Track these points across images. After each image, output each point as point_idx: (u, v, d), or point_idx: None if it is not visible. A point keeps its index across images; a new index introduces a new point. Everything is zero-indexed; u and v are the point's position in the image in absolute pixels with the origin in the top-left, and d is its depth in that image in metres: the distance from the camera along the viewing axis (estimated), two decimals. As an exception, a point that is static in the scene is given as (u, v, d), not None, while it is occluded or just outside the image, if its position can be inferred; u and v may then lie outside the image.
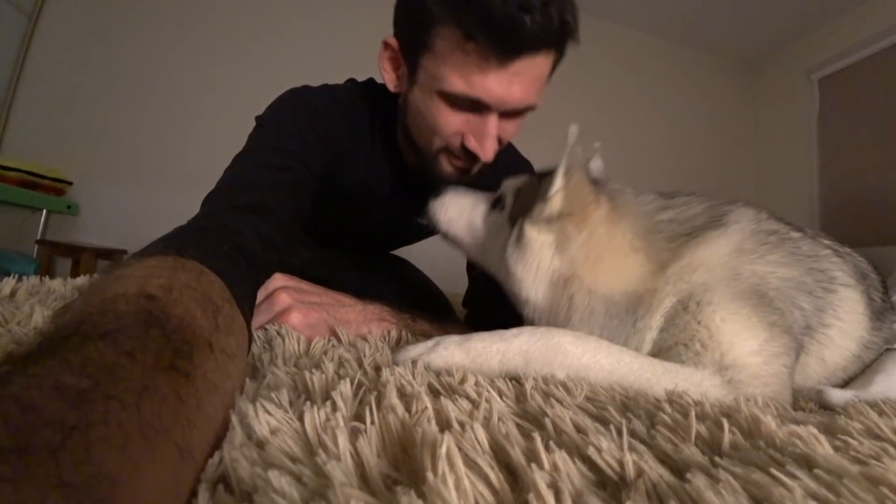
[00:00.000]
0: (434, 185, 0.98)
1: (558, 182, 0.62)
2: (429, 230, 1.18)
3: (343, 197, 1.00)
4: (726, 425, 0.35)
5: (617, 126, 3.53)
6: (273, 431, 0.32)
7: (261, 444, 0.31)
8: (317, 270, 0.99)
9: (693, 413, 0.37)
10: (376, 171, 0.98)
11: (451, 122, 0.80)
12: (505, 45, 0.72)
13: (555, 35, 0.75)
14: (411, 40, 0.80)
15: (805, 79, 3.61)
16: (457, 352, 0.54)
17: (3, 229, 2.35)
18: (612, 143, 3.54)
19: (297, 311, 0.66)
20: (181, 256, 0.44)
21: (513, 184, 0.76)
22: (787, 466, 0.27)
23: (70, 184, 2.46)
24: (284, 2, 2.90)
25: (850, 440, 0.33)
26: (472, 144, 0.81)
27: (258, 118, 0.84)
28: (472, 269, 1.18)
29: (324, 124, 0.84)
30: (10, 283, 0.77)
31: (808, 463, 0.28)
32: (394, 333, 0.72)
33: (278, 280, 0.72)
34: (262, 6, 2.86)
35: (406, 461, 0.29)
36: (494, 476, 0.27)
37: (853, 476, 0.26)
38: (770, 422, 0.35)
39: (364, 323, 0.73)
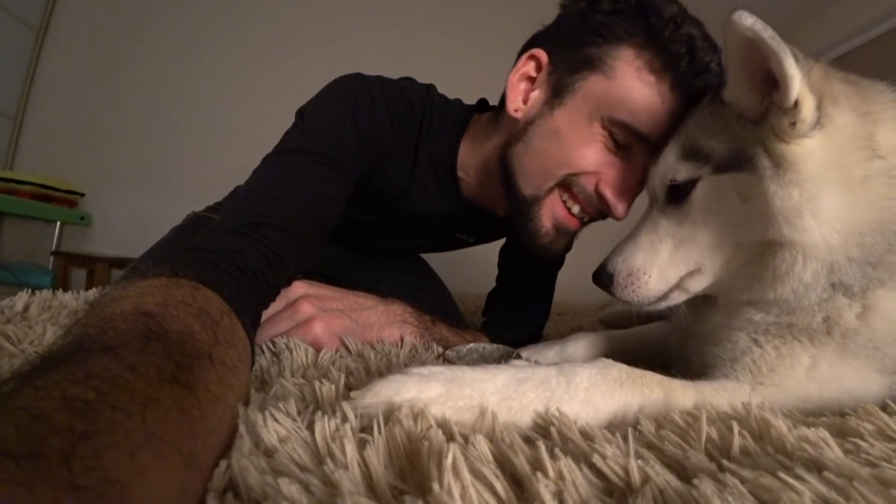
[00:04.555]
0: (493, 217, 0.90)
1: (796, 76, 0.47)
2: (466, 245, 1.10)
3: (367, 201, 0.90)
4: (736, 429, 0.35)
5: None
6: (282, 440, 0.32)
7: (269, 453, 0.31)
8: (326, 268, 0.98)
9: (704, 416, 0.37)
10: (419, 181, 0.88)
11: (597, 155, 0.71)
12: (691, 89, 0.68)
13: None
14: (574, 57, 0.73)
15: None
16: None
17: (19, 242, 2.39)
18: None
19: (320, 320, 0.65)
20: (174, 276, 0.44)
21: (672, 156, 0.59)
22: (795, 470, 0.27)
23: (82, 195, 2.50)
24: (299, 11, 2.91)
25: (861, 442, 0.33)
26: (608, 193, 0.72)
27: (299, 112, 0.76)
28: (501, 282, 1.09)
29: (367, 122, 0.76)
30: (23, 298, 0.77)
31: (817, 466, 0.28)
32: (408, 340, 0.71)
33: (300, 288, 0.69)
34: (275, 16, 2.87)
35: (412, 473, 0.29)
36: (500, 485, 0.27)
37: (864, 479, 0.25)
38: (780, 425, 0.35)
39: (386, 325, 0.71)
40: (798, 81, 0.47)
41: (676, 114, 0.68)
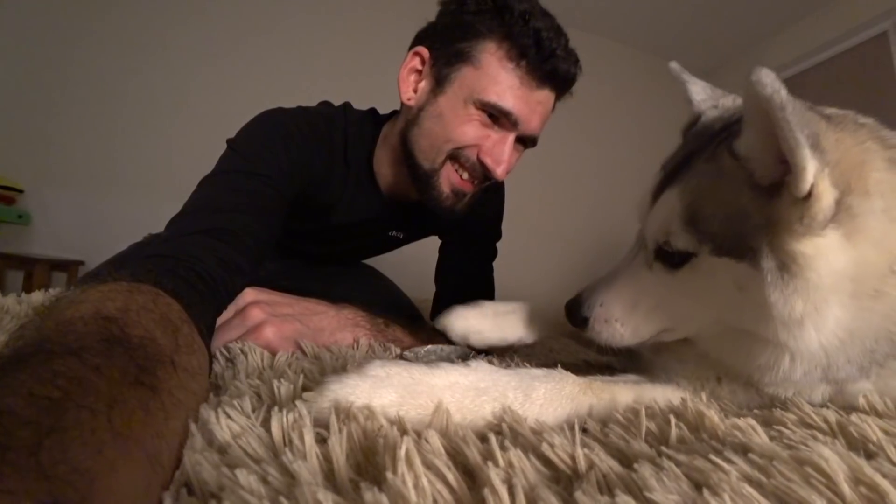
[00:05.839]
0: (414, 209, 1.02)
1: (810, 168, 0.38)
2: (399, 242, 1.20)
3: (315, 216, 1.01)
4: (673, 421, 0.37)
5: (586, 130, 3.62)
6: (235, 436, 0.32)
7: (222, 449, 0.31)
8: (284, 281, 0.99)
9: (643, 411, 0.40)
10: (350, 192, 0.99)
11: (474, 131, 0.86)
12: (543, 72, 0.84)
13: (568, 82, 0.90)
14: (449, 51, 0.87)
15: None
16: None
17: (-52, 241, 2.24)
18: (583, 145, 3.62)
19: (270, 325, 0.65)
20: (135, 281, 0.43)
21: (674, 211, 0.50)
22: (725, 453, 0.29)
23: (21, 192, 2.36)
24: (253, 2, 2.86)
25: (784, 429, 0.36)
26: (488, 160, 0.87)
27: (229, 141, 0.82)
28: (440, 280, 1.20)
29: (298, 149, 0.84)
30: (-38, 302, 0.73)
31: (744, 450, 0.30)
32: (364, 342, 0.72)
33: (249, 295, 0.70)
34: (230, 6, 2.82)
35: (368, 468, 0.30)
36: (452, 476, 0.28)
37: (783, 459, 0.28)
38: (713, 416, 0.37)
39: (339, 329, 0.72)
40: (811, 174, 0.38)
41: (537, 89, 0.86)
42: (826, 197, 0.39)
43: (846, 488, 0.25)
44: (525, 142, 0.92)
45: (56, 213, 2.45)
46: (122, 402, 0.27)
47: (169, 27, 2.69)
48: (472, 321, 0.72)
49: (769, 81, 0.37)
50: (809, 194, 0.39)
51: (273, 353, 0.60)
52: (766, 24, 3.55)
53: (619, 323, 0.57)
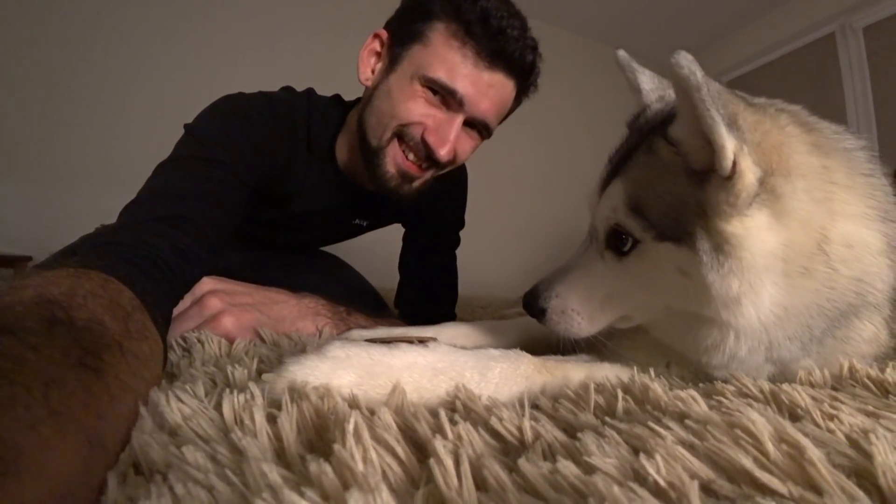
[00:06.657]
0: (378, 196, 1.00)
1: (728, 145, 0.40)
2: (362, 230, 1.20)
3: (278, 203, 1.01)
4: (620, 395, 0.39)
5: (547, 118, 3.65)
6: (186, 418, 0.32)
7: (172, 431, 0.31)
8: (247, 272, 0.98)
9: (592, 387, 0.41)
10: (313, 179, 0.99)
11: (419, 108, 0.86)
12: (491, 51, 0.84)
13: (525, 69, 0.89)
14: (404, 32, 0.88)
15: (716, 80, 3.95)
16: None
17: None
18: (544, 132, 3.66)
19: (229, 314, 0.64)
20: (83, 267, 0.42)
21: (619, 200, 0.52)
22: (664, 420, 0.31)
23: (-37, 185, 2.24)
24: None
25: (723, 399, 0.38)
26: (431, 139, 0.86)
27: (187, 126, 0.81)
28: (403, 268, 1.22)
29: (259, 135, 0.83)
30: None
31: (682, 417, 0.32)
32: (328, 331, 0.71)
33: (207, 284, 0.69)
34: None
35: (320, 445, 0.30)
36: (401, 449, 0.28)
37: (716, 424, 0.30)
38: (657, 388, 0.39)
39: (299, 318, 0.72)
40: (730, 151, 0.40)
41: (487, 70, 0.85)
42: (748, 175, 0.41)
43: (770, 447, 0.26)
44: (478, 128, 0.92)
45: (1, 206, 2.33)
46: (61, 382, 0.27)
47: (115, 12, 2.57)
48: None
49: (686, 63, 0.38)
50: (733, 173, 0.41)
51: (231, 343, 0.59)
52: (721, 23, 3.67)
53: (575, 312, 0.58)
